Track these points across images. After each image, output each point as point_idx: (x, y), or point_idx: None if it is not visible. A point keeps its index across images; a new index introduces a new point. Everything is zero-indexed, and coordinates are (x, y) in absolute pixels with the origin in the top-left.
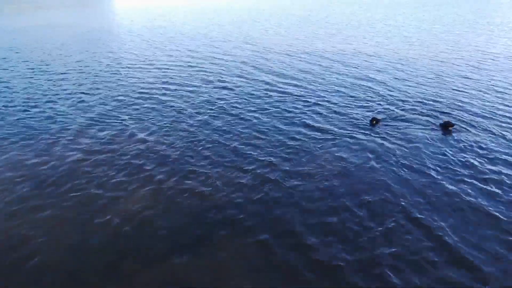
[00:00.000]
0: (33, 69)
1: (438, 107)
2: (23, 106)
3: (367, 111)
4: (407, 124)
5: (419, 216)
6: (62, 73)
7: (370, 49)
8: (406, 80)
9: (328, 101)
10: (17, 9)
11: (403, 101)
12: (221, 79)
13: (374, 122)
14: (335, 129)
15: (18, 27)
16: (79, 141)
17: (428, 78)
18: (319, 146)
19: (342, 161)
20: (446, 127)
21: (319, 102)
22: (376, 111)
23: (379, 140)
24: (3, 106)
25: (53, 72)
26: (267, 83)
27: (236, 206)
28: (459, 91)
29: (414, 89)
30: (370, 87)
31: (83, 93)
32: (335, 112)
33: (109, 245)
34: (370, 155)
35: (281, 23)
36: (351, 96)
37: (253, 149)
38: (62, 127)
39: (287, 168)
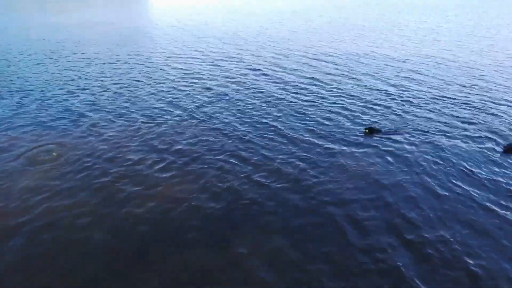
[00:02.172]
0: (78, 61)
1: (489, 124)
2: (69, 95)
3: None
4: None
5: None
6: (104, 65)
7: (403, 53)
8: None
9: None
10: (61, 7)
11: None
12: (237, 75)
13: (367, 131)
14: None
15: (65, 24)
16: (118, 129)
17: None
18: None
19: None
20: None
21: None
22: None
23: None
24: (53, 93)
25: (96, 64)
26: (294, 86)
27: (266, 205)
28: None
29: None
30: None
31: (122, 85)
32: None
33: (141, 231)
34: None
35: (312, 24)
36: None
37: (285, 149)
38: (102, 116)
39: (313, 172)
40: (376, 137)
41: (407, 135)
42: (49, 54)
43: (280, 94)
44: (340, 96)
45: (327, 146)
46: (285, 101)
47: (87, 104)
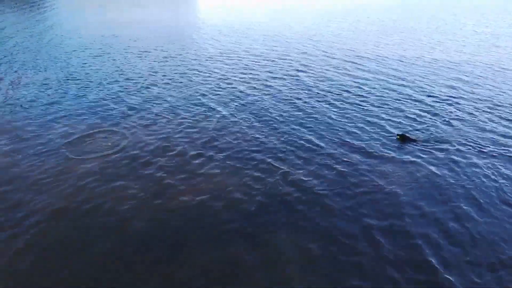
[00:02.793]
0: (131, 56)
1: None
2: (122, 87)
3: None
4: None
5: None
6: (154, 61)
7: (456, 59)
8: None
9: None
10: (118, 6)
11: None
12: (280, 76)
13: (399, 138)
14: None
15: (120, 21)
16: (165, 122)
17: None
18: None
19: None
20: None
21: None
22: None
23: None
24: (108, 85)
25: (146, 59)
26: (335, 88)
27: (300, 207)
28: None
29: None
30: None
31: (170, 79)
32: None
33: (178, 221)
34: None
35: (360, 25)
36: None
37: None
38: (162, 108)
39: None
40: (411, 145)
41: (448, 146)
42: (106, 49)
43: (322, 97)
44: (382, 101)
45: (364, 151)
46: (326, 103)
47: (138, 96)
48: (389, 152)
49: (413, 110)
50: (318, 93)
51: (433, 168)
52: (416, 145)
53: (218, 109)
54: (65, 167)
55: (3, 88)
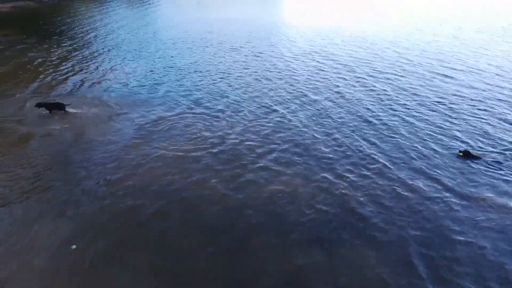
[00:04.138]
0: (221, 52)
1: None
2: (213, 81)
3: None
4: None
5: None
6: (246, 56)
7: None
8: None
9: None
10: (212, 4)
11: None
12: (366, 81)
13: (461, 155)
14: None
15: (214, 18)
16: (246, 116)
17: None
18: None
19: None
20: None
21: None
22: None
23: None
24: (200, 78)
25: (236, 55)
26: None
27: (369, 218)
28: None
29: None
30: None
31: (255, 76)
32: None
33: (247, 216)
34: None
35: (462, 33)
36: None
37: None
38: (236, 107)
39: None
40: (476, 163)
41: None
42: (201, 43)
43: (393, 108)
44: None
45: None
46: (397, 116)
47: (225, 90)
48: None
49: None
50: (390, 103)
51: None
52: (481, 163)
53: (300, 110)
54: (156, 153)
55: (115, 74)
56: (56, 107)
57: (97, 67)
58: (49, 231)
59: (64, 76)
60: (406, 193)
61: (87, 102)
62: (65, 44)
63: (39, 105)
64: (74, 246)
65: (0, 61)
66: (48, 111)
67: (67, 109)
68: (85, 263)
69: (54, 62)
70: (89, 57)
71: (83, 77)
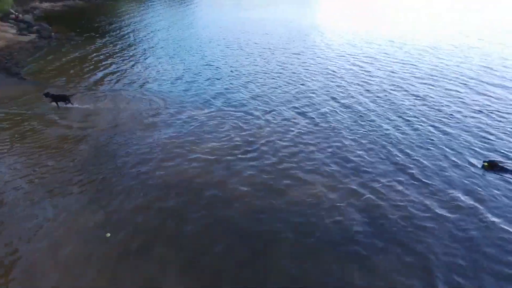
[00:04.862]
0: (261, 51)
1: None
2: (250, 82)
3: None
4: None
5: None
6: (284, 56)
7: None
8: None
9: None
10: (251, 4)
11: None
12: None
13: (486, 165)
14: None
15: (253, 18)
16: (284, 117)
17: None
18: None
19: None
20: None
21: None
22: None
23: None
24: (238, 79)
25: (273, 55)
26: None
27: (412, 232)
28: None
29: None
30: None
31: (294, 77)
32: None
33: (279, 222)
34: None
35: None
36: None
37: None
38: (266, 107)
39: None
40: (501, 175)
41: None
42: (237, 42)
43: (423, 116)
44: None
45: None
46: (429, 124)
47: (258, 90)
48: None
49: None
50: (425, 109)
51: None
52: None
53: (344, 115)
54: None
55: (153, 71)
56: (62, 99)
57: (137, 64)
58: (85, 219)
59: (106, 72)
60: (431, 205)
61: (126, 98)
62: (109, 41)
63: (46, 95)
64: (108, 234)
65: (50, 57)
66: (55, 103)
67: (71, 100)
68: (116, 251)
69: (98, 59)
70: (130, 54)
71: (124, 73)
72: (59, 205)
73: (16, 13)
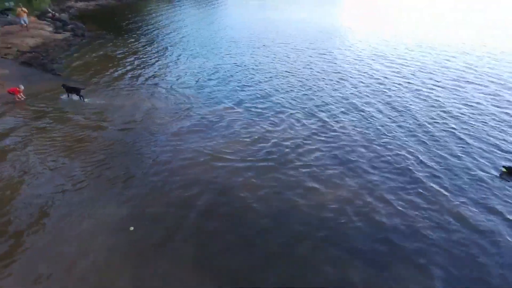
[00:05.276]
0: (286, 51)
1: None
2: (276, 80)
3: None
4: None
5: None
6: (310, 57)
7: None
8: None
9: None
10: (275, 5)
11: None
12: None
13: (505, 171)
14: None
15: (277, 18)
16: (304, 121)
17: None
18: None
19: None
20: None
21: None
22: None
23: None
24: (261, 80)
25: (298, 56)
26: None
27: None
28: None
29: None
30: None
31: (317, 79)
32: None
33: (300, 224)
34: None
35: None
36: None
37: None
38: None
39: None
40: None
41: None
42: (263, 42)
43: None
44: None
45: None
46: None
47: (285, 91)
48: None
49: None
50: (442, 115)
51: None
52: None
53: (365, 119)
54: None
55: (179, 70)
56: (74, 91)
57: (164, 62)
58: (111, 212)
59: (135, 70)
60: (447, 217)
61: (154, 95)
62: (138, 40)
63: (63, 86)
64: (132, 228)
65: (83, 54)
66: (67, 94)
67: (81, 93)
68: (138, 244)
69: (127, 57)
70: (157, 52)
71: (151, 71)
72: (84, 196)
73: (53, 12)
